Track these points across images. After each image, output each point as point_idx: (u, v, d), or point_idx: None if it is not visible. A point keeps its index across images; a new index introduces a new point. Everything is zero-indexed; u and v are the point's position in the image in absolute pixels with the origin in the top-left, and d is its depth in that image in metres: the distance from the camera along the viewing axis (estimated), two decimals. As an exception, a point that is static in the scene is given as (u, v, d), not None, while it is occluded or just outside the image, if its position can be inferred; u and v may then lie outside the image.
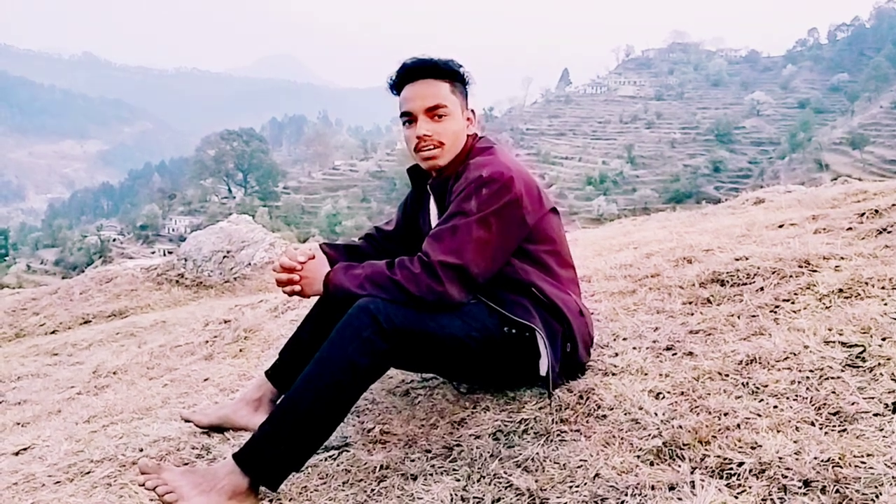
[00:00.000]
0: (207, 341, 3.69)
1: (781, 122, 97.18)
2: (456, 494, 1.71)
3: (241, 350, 3.30)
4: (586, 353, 2.10)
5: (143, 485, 1.71)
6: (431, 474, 1.83)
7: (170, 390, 2.94)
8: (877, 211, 3.27)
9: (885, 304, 2.02)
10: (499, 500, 1.64)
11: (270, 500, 1.83)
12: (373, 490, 1.82)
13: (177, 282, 8.72)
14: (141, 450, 2.26)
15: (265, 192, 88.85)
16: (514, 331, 1.93)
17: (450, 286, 1.83)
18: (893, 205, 3.26)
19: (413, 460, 1.91)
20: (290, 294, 1.99)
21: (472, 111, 2.09)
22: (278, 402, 1.81)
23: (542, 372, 1.95)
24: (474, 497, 1.68)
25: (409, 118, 2.02)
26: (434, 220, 2.13)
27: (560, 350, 1.95)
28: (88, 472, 2.18)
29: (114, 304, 8.05)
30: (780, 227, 3.60)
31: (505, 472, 1.73)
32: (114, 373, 3.55)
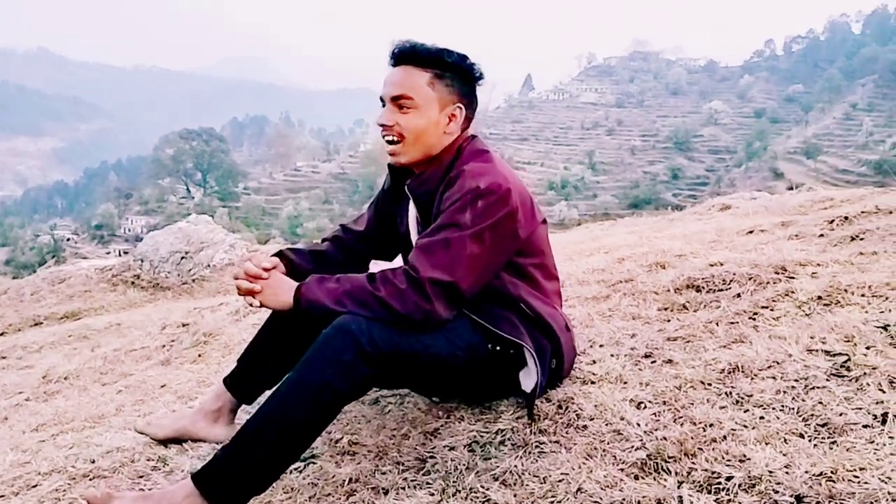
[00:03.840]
0: (164, 345, 3.54)
1: (738, 130, 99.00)
2: (430, 510, 1.63)
3: (199, 355, 3.17)
4: (570, 367, 2.02)
5: None
6: (403, 488, 1.74)
7: (124, 397, 2.80)
8: (846, 218, 3.27)
9: (867, 312, 1.99)
10: (476, 515, 1.56)
11: (232, 517, 1.72)
12: (341, 505, 1.72)
13: (132, 283, 8.46)
14: (93, 461, 2.13)
15: (225, 193, 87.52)
16: (498, 348, 1.83)
17: (438, 304, 1.71)
18: (863, 212, 3.27)
19: (384, 473, 1.82)
20: (250, 305, 1.87)
21: (460, 108, 1.91)
22: (245, 421, 1.69)
23: (527, 388, 1.85)
24: (450, 512, 1.60)
25: (382, 104, 1.91)
26: (413, 222, 2.02)
27: (547, 367, 1.87)
28: (35, 486, 2.04)
29: (66, 305, 7.78)
30: (750, 232, 3.59)
31: (482, 486, 1.65)
32: (65, 378, 3.38)
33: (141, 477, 2.01)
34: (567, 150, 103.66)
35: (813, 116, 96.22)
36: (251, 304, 1.84)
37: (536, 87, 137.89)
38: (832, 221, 3.31)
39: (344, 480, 1.82)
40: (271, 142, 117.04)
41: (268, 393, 2.33)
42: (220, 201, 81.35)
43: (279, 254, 2.04)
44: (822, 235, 3.03)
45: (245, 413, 2.24)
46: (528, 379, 1.86)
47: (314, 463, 1.94)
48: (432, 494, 1.68)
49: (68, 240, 76.62)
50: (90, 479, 2.02)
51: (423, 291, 1.70)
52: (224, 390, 2.14)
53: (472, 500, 1.62)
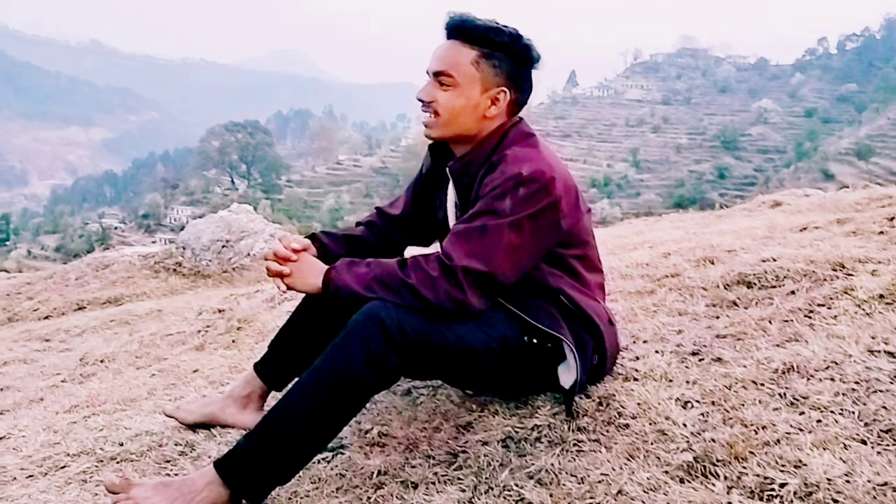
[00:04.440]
0: (200, 331, 3.53)
1: (788, 130, 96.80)
2: (460, 506, 1.55)
3: (233, 341, 3.14)
4: (613, 364, 1.92)
5: None
6: (434, 483, 1.67)
7: (157, 381, 2.78)
8: (908, 215, 3.10)
9: (935, 312, 1.86)
10: (509, 515, 1.48)
11: (257, 507, 1.67)
12: (369, 498, 1.66)
13: (174, 270, 8.55)
14: (121, 444, 2.11)
15: (268, 185, 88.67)
16: (535, 340, 1.74)
17: (471, 294, 1.63)
18: (926, 209, 3.09)
19: (414, 467, 1.75)
20: (279, 288, 1.80)
21: (504, 91, 1.78)
22: (269, 409, 1.64)
23: (566, 384, 1.75)
24: (482, 510, 1.52)
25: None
26: (451, 207, 1.94)
27: (588, 362, 1.77)
28: (63, 467, 2.02)
29: (109, 290, 7.89)
30: (804, 229, 3.43)
31: (516, 484, 1.57)
32: (101, 361, 3.39)
33: (168, 462, 1.97)
34: (611, 147, 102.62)
35: (866, 117, 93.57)
36: (279, 288, 1.79)
37: (581, 83, 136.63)
38: (892, 219, 3.14)
39: (372, 473, 1.75)
40: (314, 135, 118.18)
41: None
42: (263, 193, 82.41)
43: (312, 236, 1.97)
44: (881, 233, 2.87)
45: (274, 400, 2.20)
46: (567, 374, 1.76)
47: (342, 453, 1.88)
48: (463, 490, 1.61)
49: (116, 228, 78.45)
50: (117, 462, 2.00)
51: (456, 280, 1.62)
52: (254, 376, 2.10)
53: (505, 498, 1.54)
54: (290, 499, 1.69)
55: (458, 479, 1.65)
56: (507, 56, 1.78)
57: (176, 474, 1.89)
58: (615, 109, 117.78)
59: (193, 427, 2.12)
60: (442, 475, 1.69)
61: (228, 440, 2.03)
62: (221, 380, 2.61)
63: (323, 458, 1.84)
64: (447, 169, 1.88)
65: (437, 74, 1.78)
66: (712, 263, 2.81)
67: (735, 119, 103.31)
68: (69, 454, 2.09)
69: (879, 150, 78.33)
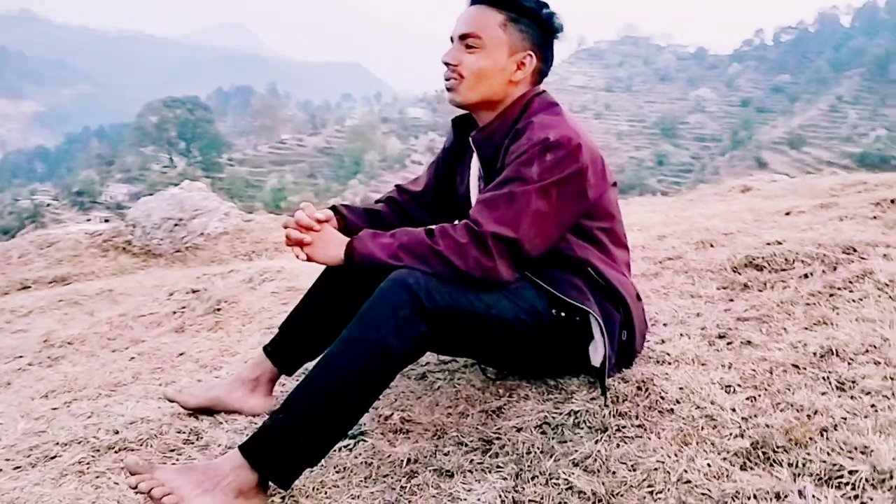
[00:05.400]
0: (175, 312, 3.36)
1: (724, 119, 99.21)
2: (506, 496, 1.48)
3: (217, 323, 2.99)
4: (641, 342, 1.87)
5: (136, 487, 1.42)
6: (471, 471, 1.59)
7: (140, 364, 2.62)
8: (893, 201, 3.14)
9: (961, 296, 1.86)
10: (562, 504, 1.42)
11: (283, 498, 1.57)
12: (403, 487, 1.57)
13: (124, 249, 8.22)
14: (116, 432, 1.96)
15: (208, 163, 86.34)
16: (563, 314, 1.69)
17: (500, 262, 1.58)
18: (912, 195, 3.14)
19: (446, 454, 1.67)
20: (297, 256, 1.70)
21: (530, 56, 1.77)
22: (295, 387, 1.54)
23: (596, 362, 1.70)
24: (530, 500, 1.45)
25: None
26: (474, 181, 1.87)
27: (616, 339, 1.72)
28: (54, 457, 1.87)
29: (55, 269, 7.53)
30: (788, 213, 3.46)
31: (562, 472, 1.50)
32: (69, 343, 3.19)
33: (172, 450, 1.84)
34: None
35: (799, 107, 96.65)
36: (298, 257, 1.69)
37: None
38: (878, 204, 3.18)
39: (402, 460, 1.67)
40: (256, 113, 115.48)
41: (309, 365, 2.19)
42: (203, 171, 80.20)
43: (332, 208, 1.88)
44: (875, 217, 2.90)
45: (279, 386, 2.09)
46: (596, 352, 1.71)
47: (364, 441, 1.78)
48: (505, 479, 1.54)
49: (48, 205, 75.45)
50: (116, 452, 1.86)
51: (486, 246, 1.57)
52: (264, 359, 1.98)
53: (552, 486, 1.47)
54: (317, 490, 1.59)
55: (498, 466, 1.58)
56: (533, 22, 1.77)
57: (184, 463, 1.76)
58: (559, 95, 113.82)
59: (195, 412, 1.99)
60: (478, 463, 1.62)
61: (237, 427, 1.91)
62: (213, 364, 2.47)
63: (344, 446, 1.75)
64: (470, 139, 1.82)
65: (463, 37, 1.74)
66: (712, 246, 2.79)
67: (674, 107, 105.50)
68: (59, 443, 1.93)
69: (811, 140, 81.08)
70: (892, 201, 3.15)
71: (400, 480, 1.60)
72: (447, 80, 1.77)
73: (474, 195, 1.87)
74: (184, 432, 1.91)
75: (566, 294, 1.67)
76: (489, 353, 1.80)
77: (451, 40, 1.78)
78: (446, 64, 1.77)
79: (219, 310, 3.16)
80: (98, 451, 1.86)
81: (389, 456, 1.70)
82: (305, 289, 2.97)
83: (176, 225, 8.46)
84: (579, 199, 1.67)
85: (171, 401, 2.00)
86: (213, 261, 7.74)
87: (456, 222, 1.64)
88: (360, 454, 1.73)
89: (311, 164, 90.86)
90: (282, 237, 1.75)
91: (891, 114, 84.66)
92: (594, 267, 1.72)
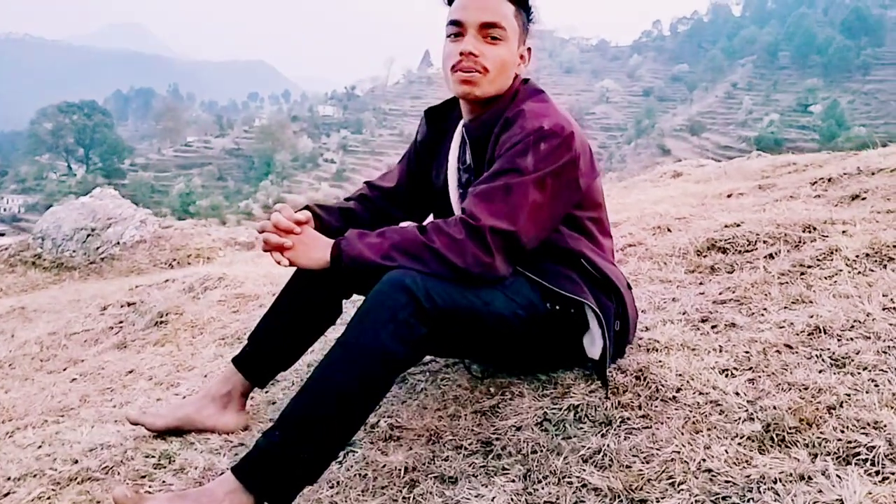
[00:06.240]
0: (112, 327, 3.15)
1: (628, 108, 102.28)
2: (518, 499, 1.42)
3: (164, 336, 2.80)
4: (634, 331, 1.85)
5: None
6: (475, 475, 1.53)
7: (84, 386, 2.43)
8: (830, 179, 3.25)
9: (929, 268, 1.91)
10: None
11: (279, 520, 1.46)
12: (405, 498, 1.50)
13: (33, 263, 7.74)
14: (75, 461, 1.80)
15: (110, 170, 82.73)
16: (557, 307, 1.64)
17: (498, 257, 1.52)
18: (845, 173, 3.26)
19: (445, 459, 1.60)
20: (278, 262, 1.59)
21: (529, 50, 1.73)
22: (290, 400, 1.44)
23: (594, 355, 1.67)
24: (546, 502, 1.39)
25: (457, 30, 1.63)
26: (453, 173, 1.79)
27: (612, 329, 1.68)
28: (7, 494, 1.71)
29: (-43, 288, 7.02)
30: (729, 196, 3.54)
31: (574, 470, 1.45)
32: (-5, 367, 2.94)
33: (143, 477, 1.70)
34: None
35: (697, 95, 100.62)
36: (279, 262, 1.58)
37: (435, 63, 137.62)
38: (815, 183, 3.29)
39: (399, 469, 1.58)
40: (159, 115, 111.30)
41: (284, 375, 2.07)
42: (104, 178, 76.72)
43: (307, 208, 1.77)
44: (818, 196, 2.99)
45: (249, 400, 1.97)
46: (593, 345, 1.68)
47: (354, 452, 1.69)
48: (513, 481, 1.48)
49: (-65, 220, 70.65)
50: (80, 483, 1.70)
51: (484, 242, 1.50)
52: (234, 372, 1.85)
53: (566, 485, 1.42)
54: (312, 509, 1.49)
55: (504, 468, 1.52)
56: (527, 15, 1.72)
57: (158, 490, 1.63)
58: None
59: (163, 434, 1.84)
60: (481, 466, 1.55)
61: (212, 447, 1.78)
62: (169, 380, 2.31)
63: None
64: (463, 129, 1.74)
65: (487, 26, 1.62)
66: (670, 231, 2.81)
67: (580, 98, 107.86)
68: (11, 478, 1.76)
69: (709, 126, 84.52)
70: (829, 179, 3.26)
71: (401, 491, 1.52)
72: (467, 71, 1.63)
73: (453, 188, 1.81)
74: (153, 456, 1.76)
75: (561, 287, 1.63)
76: (484, 350, 1.74)
77: (460, 28, 1.64)
78: (466, 55, 1.62)
79: (162, 322, 2.98)
80: (59, 483, 1.70)
81: (384, 466, 1.61)
82: (254, 295, 2.85)
83: (89, 235, 8.03)
84: (572, 189, 1.63)
85: (135, 423, 1.85)
86: (132, 271, 7.39)
87: (449, 218, 1.56)
88: (351, 466, 1.64)
89: (220, 166, 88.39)
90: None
91: (782, 99, 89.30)
92: (587, 258, 1.68)
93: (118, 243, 8.02)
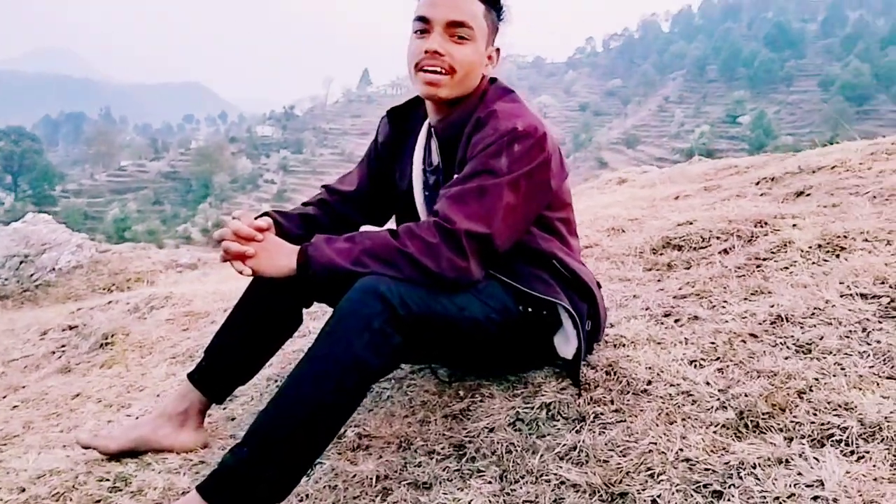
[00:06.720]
0: (53, 352, 3.00)
1: (566, 123, 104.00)
2: (496, 500, 1.39)
3: (111, 357, 2.69)
4: (603, 330, 1.83)
5: None
6: (449, 479, 1.49)
7: (27, 412, 2.30)
8: (773, 178, 3.33)
9: (879, 256, 1.96)
10: (560, 501, 1.34)
11: (248, 537, 1.39)
12: (379, 508, 1.44)
13: (-37, 293, 7.39)
14: (22, 489, 1.70)
15: (40, 197, 79.89)
16: (530, 309, 1.62)
17: (473, 261, 1.48)
18: (787, 172, 3.34)
19: (418, 465, 1.56)
20: (240, 272, 1.52)
21: (497, 50, 1.69)
22: (259, 415, 1.38)
23: (567, 354, 1.65)
24: (525, 501, 1.37)
25: (423, 27, 1.59)
26: (418, 174, 1.76)
27: (584, 329, 1.67)
28: (-48, 530, 1.58)
29: None
30: (677, 198, 3.60)
31: (551, 468, 1.43)
32: (-72, 398, 2.77)
33: (98, 501, 1.61)
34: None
35: (631, 109, 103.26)
36: (241, 272, 1.51)
37: (374, 82, 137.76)
38: (758, 183, 3.37)
39: (370, 479, 1.54)
40: (91, 140, 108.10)
41: (242, 390, 2.00)
42: (35, 206, 74.04)
43: (266, 214, 1.70)
44: (763, 194, 3.05)
45: (215, 415, 1.89)
46: (566, 344, 1.66)
47: (322, 463, 1.63)
48: (490, 482, 1.45)
49: None
50: (29, 513, 1.60)
51: (459, 245, 1.46)
52: (190, 389, 1.77)
53: (543, 483, 1.40)
54: (282, 524, 1.43)
55: (479, 471, 1.49)
56: (498, 13, 1.68)
57: (115, 516, 1.54)
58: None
59: (117, 456, 1.75)
60: (455, 470, 1.52)
61: (170, 467, 1.70)
62: (120, 402, 2.20)
63: (301, 472, 1.59)
64: (431, 129, 1.71)
65: (454, 24, 1.58)
66: (624, 232, 2.84)
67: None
68: (-47, 513, 1.64)
69: (644, 139, 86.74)
70: (773, 179, 3.34)
71: (374, 500, 1.48)
72: (431, 71, 1.59)
73: (418, 190, 1.77)
74: (107, 479, 1.67)
75: (534, 289, 1.61)
76: (456, 355, 1.71)
77: (427, 25, 1.59)
78: (431, 53, 1.58)
79: (108, 344, 2.85)
80: (5, 514, 1.60)
81: (354, 476, 1.56)
82: (204, 313, 2.76)
83: (22, 262, 7.70)
84: (544, 191, 1.61)
85: (87, 447, 1.75)
86: (70, 297, 7.10)
87: (420, 221, 1.52)
88: (320, 478, 1.58)
89: (156, 190, 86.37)
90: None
91: (712, 111, 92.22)
92: (558, 258, 1.67)
93: (53, 269, 7.71)
